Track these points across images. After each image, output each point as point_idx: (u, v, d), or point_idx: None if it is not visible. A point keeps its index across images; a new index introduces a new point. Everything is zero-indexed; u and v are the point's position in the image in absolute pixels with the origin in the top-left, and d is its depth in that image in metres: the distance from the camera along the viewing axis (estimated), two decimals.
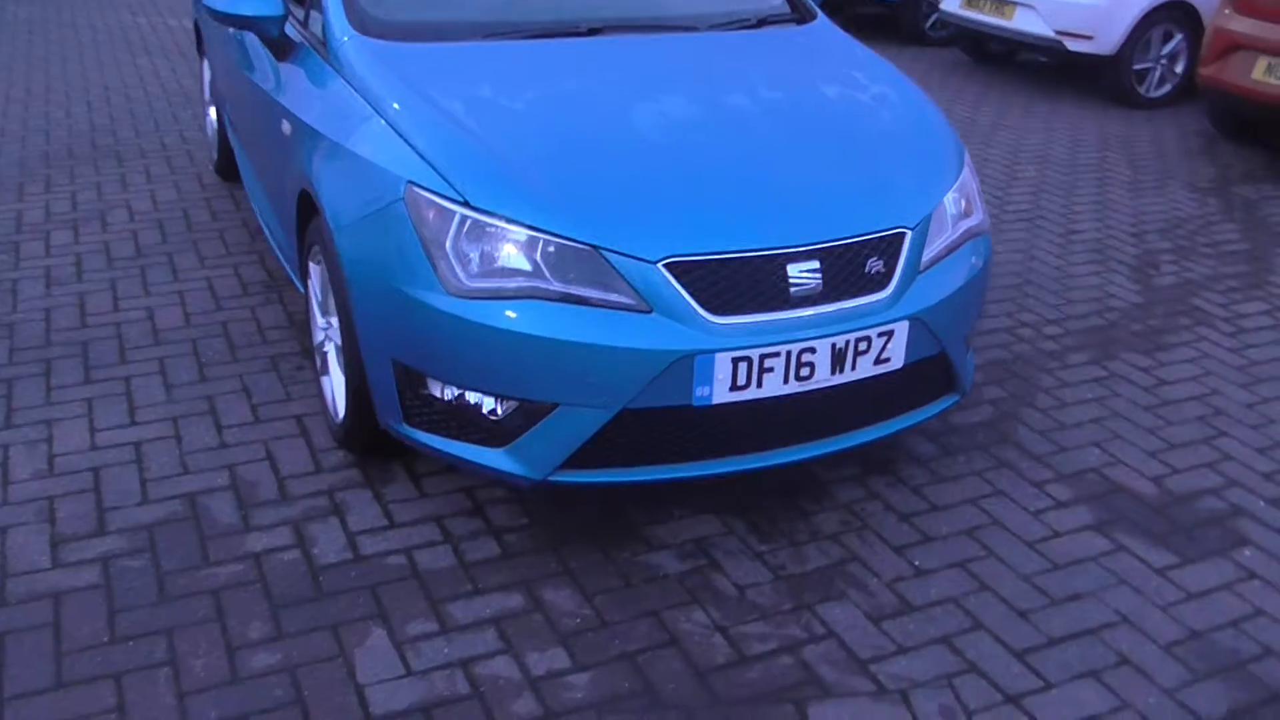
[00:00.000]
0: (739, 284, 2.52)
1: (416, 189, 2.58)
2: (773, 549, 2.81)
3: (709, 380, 2.51)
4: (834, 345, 2.59)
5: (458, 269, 2.51)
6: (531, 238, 2.49)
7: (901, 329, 2.68)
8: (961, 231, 2.89)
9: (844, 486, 3.07)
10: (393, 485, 3.01)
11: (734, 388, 2.53)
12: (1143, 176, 6.02)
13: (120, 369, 3.54)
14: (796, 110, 3.00)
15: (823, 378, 2.61)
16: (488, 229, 2.51)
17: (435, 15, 3.23)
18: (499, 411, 2.59)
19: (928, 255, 2.76)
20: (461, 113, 2.76)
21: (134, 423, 3.25)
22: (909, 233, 2.73)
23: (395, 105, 2.78)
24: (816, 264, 2.58)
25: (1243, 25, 5.93)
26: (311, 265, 3.17)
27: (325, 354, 3.16)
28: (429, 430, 2.70)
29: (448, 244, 2.52)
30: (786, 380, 2.58)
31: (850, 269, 2.63)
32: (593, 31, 3.24)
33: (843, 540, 2.85)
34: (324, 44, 3.14)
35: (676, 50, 3.26)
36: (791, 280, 2.56)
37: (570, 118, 2.81)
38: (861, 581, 2.70)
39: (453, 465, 2.80)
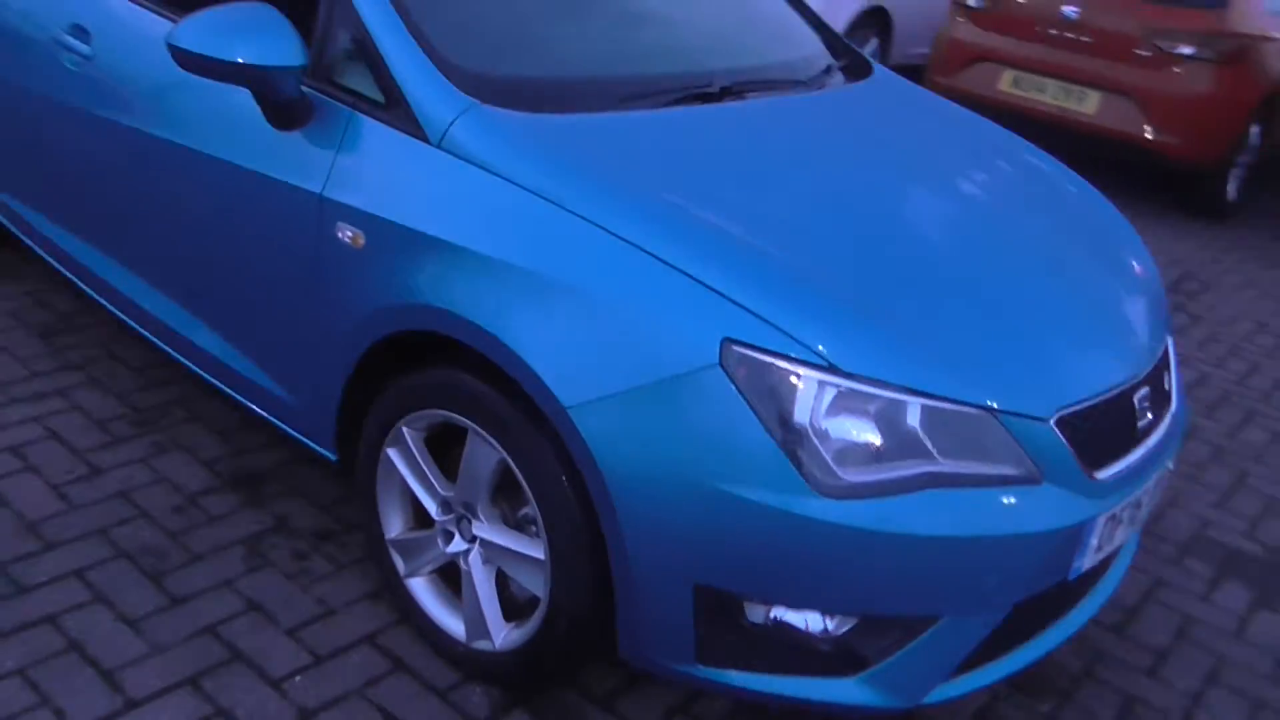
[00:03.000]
0: (1105, 429, 2.09)
1: (742, 349, 1.83)
2: (1052, 709, 2.42)
3: (1086, 549, 2.07)
4: (1157, 480, 2.26)
5: (828, 459, 1.82)
6: (915, 405, 1.87)
7: (1175, 449, 2.40)
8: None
9: None
10: None
11: (1096, 550, 2.12)
12: None
13: (29, 603, 2.27)
14: (1022, 202, 2.57)
15: (1136, 519, 2.27)
16: (862, 399, 1.84)
17: (541, 71, 2.35)
18: (829, 629, 1.95)
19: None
20: (735, 226, 2.02)
21: (132, 705, 2.08)
22: (1170, 340, 2.45)
23: (628, 215, 1.96)
24: (1149, 390, 2.22)
25: (985, 38, 6.29)
26: (406, 431, 2.20)
27: (460, 558, 2.22)
28: (736, 667, 1.97)
29: (809, 425, 1.82)
30: (1124, 530, 2.20)
31: (1159, 390, 2.30)
32: (725, 92, 2.53)
33: (1099, 676, 2.53)
34: (393, 109, 2.16)
35: (835, 118, 2.66)
36: (1137, 413, 2.18)
37: (846, 227, 2.15)
38: None
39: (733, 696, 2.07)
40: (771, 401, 1.82)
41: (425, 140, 2.13)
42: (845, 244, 2.08)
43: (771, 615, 1.94)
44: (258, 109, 2.27)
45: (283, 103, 2.23)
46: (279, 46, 2.15)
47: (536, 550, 2.05)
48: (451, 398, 2.09)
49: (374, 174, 2.16)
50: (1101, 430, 2.06)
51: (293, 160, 2.27)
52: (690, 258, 1.90)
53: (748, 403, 1.82)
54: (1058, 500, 1.97)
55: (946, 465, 1.88)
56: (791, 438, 1.81)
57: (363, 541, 2.60)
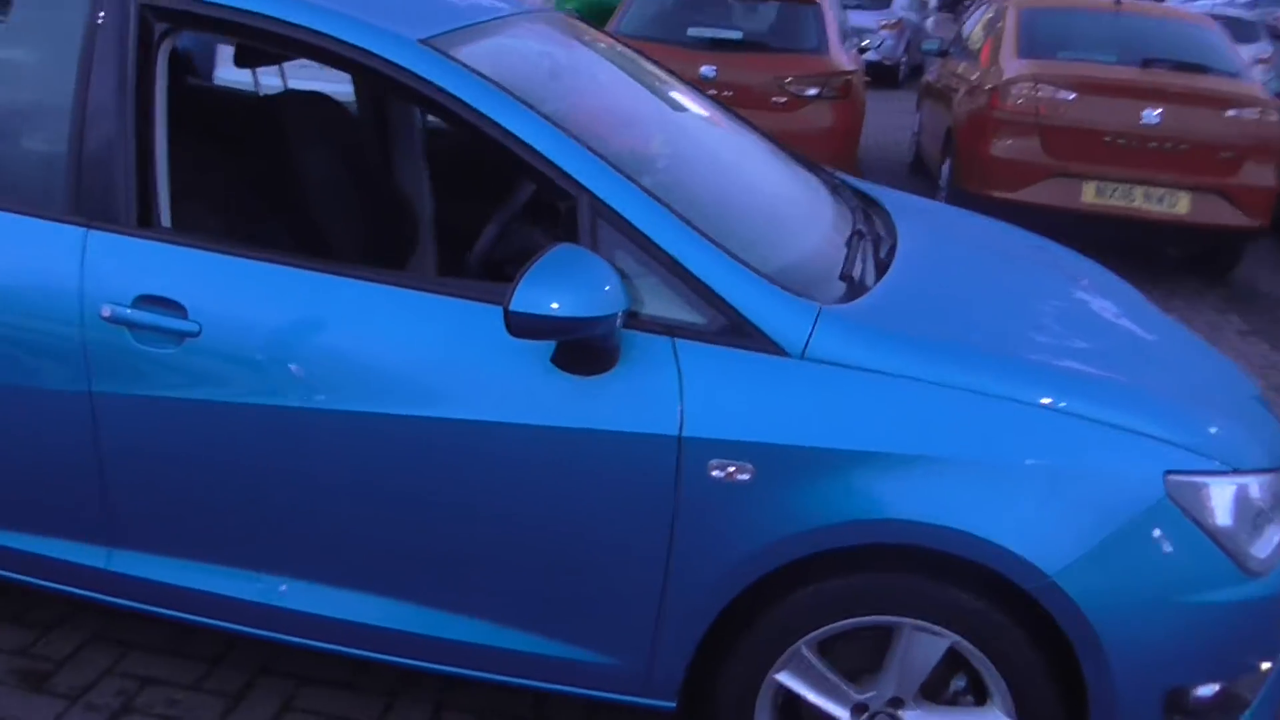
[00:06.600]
0: None
1: (1177, 477, 2.08)
2: None
3: None
4: None
5: (1249, 547, 2.15)
6: (1255, 482, 2.23)
7: None
8: None
9: None
10: None
11: None
12: None
13: None
14: (1101, 291, 3.02)
15: None
16: (1250, 489, 2.18)
17: (813, 258, 2.42)
18: (1221, 688, 2.29)
19: None
20: (1079, 364, 2.26)
21: None
22: None
23: (1020, 381, 2.12)
24: None
25: None
26: (805, 649, 2.12)
27: None
28: None
29: (1234, 524, 2.12)
30: None
31: None
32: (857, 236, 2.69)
33: None
34: (726, 330, 2.07)
35: (955, 246, 3.02)
36: None
37: (1112, 348, 2.50)
38: None
39: None
40: (1205, 513, 2.10)
41: (782, 354, 2.07)
42: (1131, 363, 2.41)
43: (1198, 692, 2.22)
44: (527, 357, 2.06)
45: (600, 349, 2.02)
46: (611, 293, 1.97)
47: (994, 715, 2.13)
48: (880, 601, 2.08)
49: (743, 402, 2.06)
50: None
51: (615, 406, 2.07)
52: (1096, 407, 2.11)
53: (1192, 521, 2.08)
54: None
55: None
56: (1224, 538, 2.11)
57: None
